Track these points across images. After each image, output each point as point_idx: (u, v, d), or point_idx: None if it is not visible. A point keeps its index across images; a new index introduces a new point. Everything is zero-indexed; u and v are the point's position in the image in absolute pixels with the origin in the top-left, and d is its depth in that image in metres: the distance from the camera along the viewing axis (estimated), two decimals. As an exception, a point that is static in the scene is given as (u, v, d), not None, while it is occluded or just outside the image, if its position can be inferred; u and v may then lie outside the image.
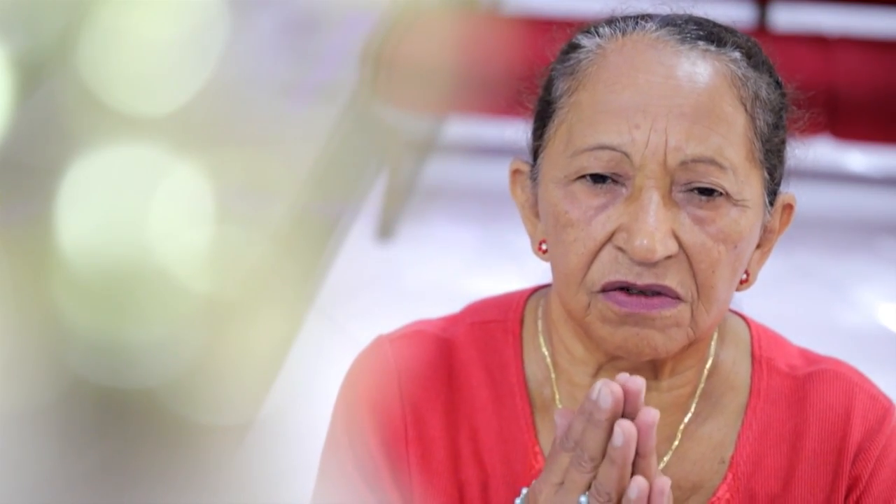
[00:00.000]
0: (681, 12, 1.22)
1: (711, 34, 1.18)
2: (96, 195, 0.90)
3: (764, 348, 1.28)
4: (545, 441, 1.25)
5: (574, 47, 1.21)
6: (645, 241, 1.12)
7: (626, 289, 1.15)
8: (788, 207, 1.23)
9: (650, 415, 1.06)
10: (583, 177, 1.15)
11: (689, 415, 1.25)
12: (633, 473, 1.07)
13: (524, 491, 1.16)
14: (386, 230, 3.67)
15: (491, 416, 1.26)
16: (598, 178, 1.15)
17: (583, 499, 1.08)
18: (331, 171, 3.43)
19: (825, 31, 3.70)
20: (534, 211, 1.23)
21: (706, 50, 1.17)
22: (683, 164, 1.13)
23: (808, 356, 1.30)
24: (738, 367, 1.27)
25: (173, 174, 0.93)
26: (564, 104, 1.18)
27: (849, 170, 4.06)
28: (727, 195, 1.14)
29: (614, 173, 1.14)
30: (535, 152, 1.22)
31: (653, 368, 1.22)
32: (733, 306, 1.25)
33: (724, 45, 1.18)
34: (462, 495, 1.25)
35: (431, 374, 1.27)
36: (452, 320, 1.31)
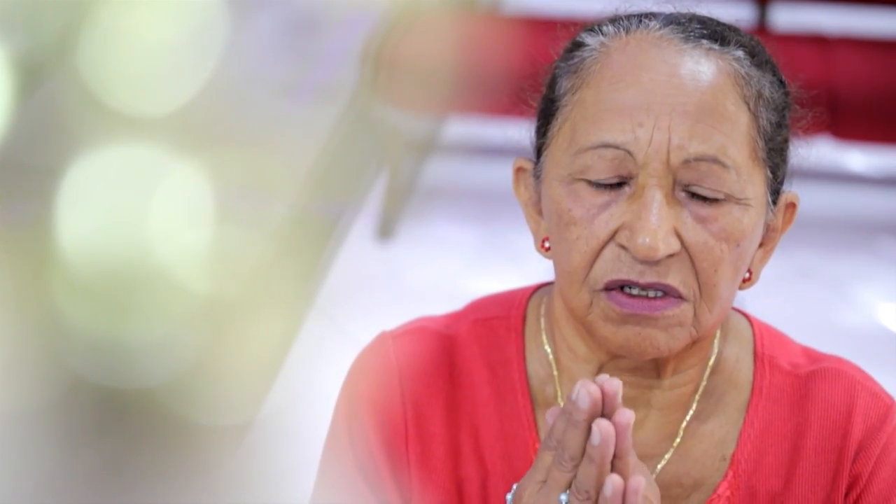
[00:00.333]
0: (684, 11, 1.22)
1: (715, 33, 1.18)
2: (96, 195, 0.90)
3: (766, 346, 1.28)
4: (546, 439, 1.25)
5: (578, 45, 1.21)
6: (647, 240, 1.12)
7: (628, 289, 1.15)
8: (791, 206, 1.23)
9: (625, 416, 1.07)
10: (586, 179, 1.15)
11: (691, 412, 1.25)
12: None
13: (514, 487, 1.17)
14: (386, 230, 3.67)
15: (492, 412, 1.26)
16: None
17: (563, 497, 1.09)
18: (331, 171, 3.43)
19: (825, 31, 3.70)
20: (537, 209, 1.23)
21: (710, 48, 1.17)
22: (686, 162, 1.13)
23: (811, 354, 1.30)
24: (740, 364, 1.27)
25: (173, 174, 0.93)
26: (568, 102, 1.18)
27: (849, 170, 4.06)
28: (729, 196, 1.15)
29: (617, 175, 1.14)
30: (539, 150, 1.22)
31: (655, 367, 1.22)
32: (737, 305, 1.25)
33: (728, 43, 1.17)
34: (461, 492, 1.25)
35: (433, 371, 1.28)
36: (455, 317, 1.31)
